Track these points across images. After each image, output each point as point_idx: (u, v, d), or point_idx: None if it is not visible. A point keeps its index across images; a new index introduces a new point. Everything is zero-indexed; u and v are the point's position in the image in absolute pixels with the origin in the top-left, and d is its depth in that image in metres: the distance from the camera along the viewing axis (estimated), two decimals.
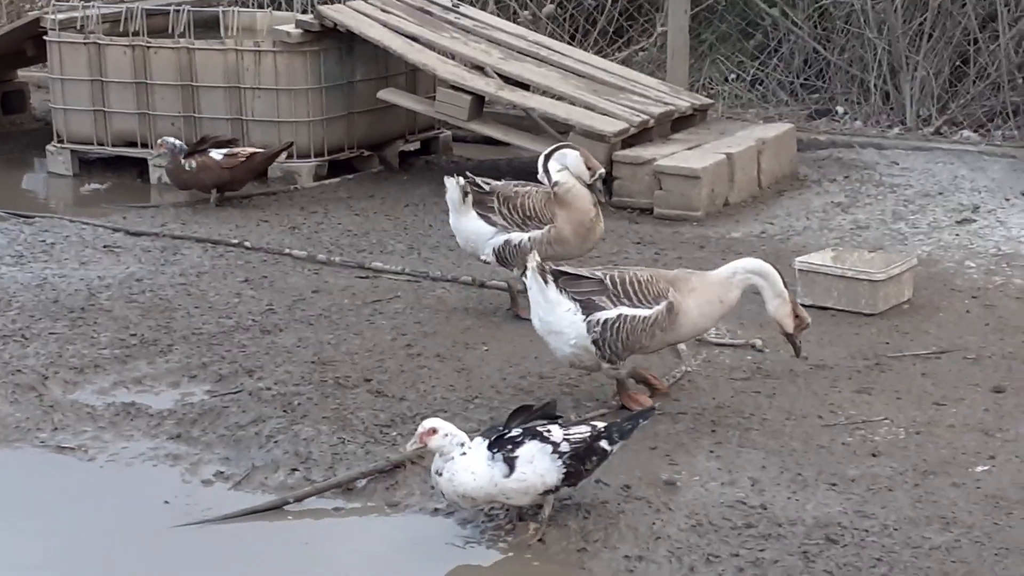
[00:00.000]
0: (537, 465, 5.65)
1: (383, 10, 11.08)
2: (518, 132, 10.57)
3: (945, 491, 5.97)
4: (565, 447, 5.71)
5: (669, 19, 11.70)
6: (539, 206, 7.74)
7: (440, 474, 5.62)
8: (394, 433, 6.54)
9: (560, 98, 10.44)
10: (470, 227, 7.85)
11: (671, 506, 5.90)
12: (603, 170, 7.81)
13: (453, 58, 10.77)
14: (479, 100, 10.45)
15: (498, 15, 12.32)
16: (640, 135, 10.23)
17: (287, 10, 13.01)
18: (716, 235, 9.44)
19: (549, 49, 11.07)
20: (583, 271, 6.66)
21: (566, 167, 7.71)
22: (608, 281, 6.57)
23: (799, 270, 8.12)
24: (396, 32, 10.80)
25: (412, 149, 11.72)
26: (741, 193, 10.09)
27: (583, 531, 5.73)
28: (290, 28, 10.77)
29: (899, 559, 5.45)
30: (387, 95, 10.80)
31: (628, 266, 6.76)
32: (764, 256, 8.88)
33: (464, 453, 5.60)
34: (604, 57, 11.98)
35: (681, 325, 6.61)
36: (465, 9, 11.56)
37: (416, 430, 5.63)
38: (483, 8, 12.47)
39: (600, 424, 5.90)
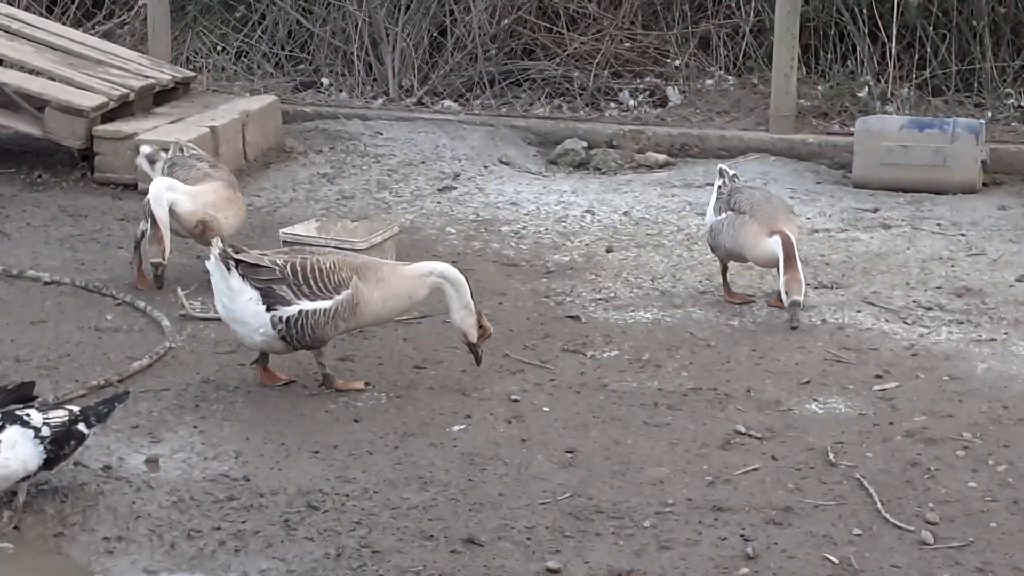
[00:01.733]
0: (19, 451, 5.49)
1: None
2: None
3: (424, 452, 6.14)
4: (46, 431, 5.58)
5: None
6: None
7: None
8: None
9: (36, 72, 10.10)
10: None
11: (152, 484, 5.83)
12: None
13: None
14: None
15: None
16: (121, 109, 10.02)
17: None
18: None
19: (21, 22, 10.66)
20: (264, 259, 6.54)
21: None
22: (288, 270, 6.50)
23: (284, 241, 8.14)
24: None
25: None
26: (227, 166, 10.00)
27: (61, 515, 5.59)
28: None
29: (378, 520, 5.57)
30: None
31: (313, 253, 6.70)
32: (251, 228, 8.93)
33: None
34: (85, 31, 11.65)
35: (364, 314, 6.59)
36: None
37: None
38: None
39: (76, 408, 5.79)
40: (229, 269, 6.51)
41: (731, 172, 8.03)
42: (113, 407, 5.91)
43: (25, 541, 5.47)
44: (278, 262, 6.56)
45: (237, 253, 6.55)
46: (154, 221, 7.64)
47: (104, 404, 5.89)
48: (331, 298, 6.53)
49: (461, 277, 6.63)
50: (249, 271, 6.53)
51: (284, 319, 6.51)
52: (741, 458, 6.11)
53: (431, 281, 6.64)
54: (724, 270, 7.88)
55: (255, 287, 6.52)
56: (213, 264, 6.55)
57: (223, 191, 7.98)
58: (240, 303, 6.53)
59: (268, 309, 6.50)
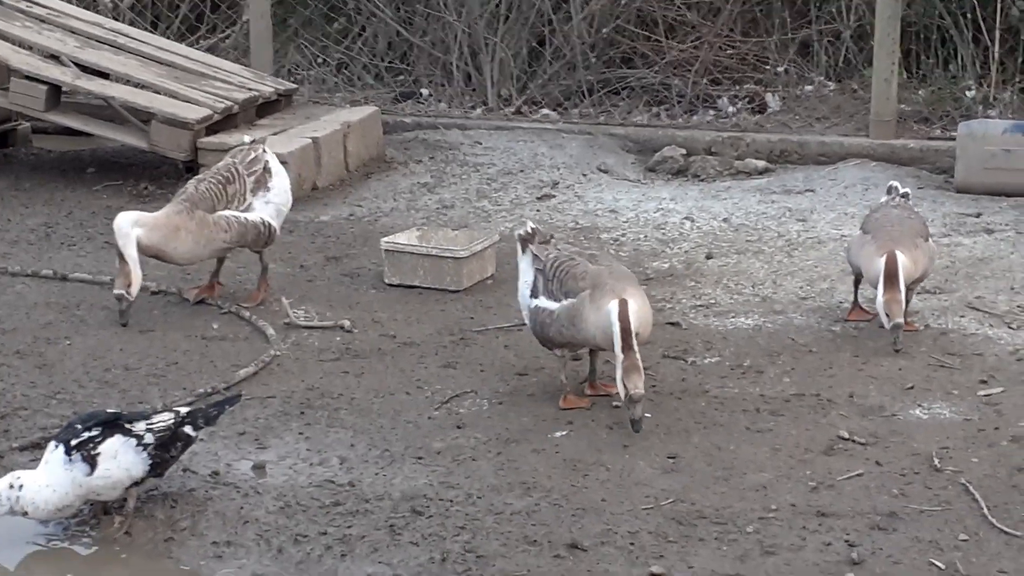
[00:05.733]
0: (121, 460, 5.60)
1: None
2: (100, 122, 10.34)
3: (526, 457, 6.17)
4: (149, 438, 5.68)
5: (250, 5, 11.65)
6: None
7: (25, 513, 5.48)
8: None
9: (142, 86, 10.27)
10: None
11: (259, 490, 5.91)
12: None
13: (31, 49, 10.46)
14: (56, 90, 10.18)
15: (74, 3, 11.98)
16: (225, 121, 10.16)
17: None
18: (305, 219, 9.43)
19: (127, 36, 10.85)
20: (545, 250, 6.69)
21: None
22: (547, 265, 6.61)
23: (385, 250, 8.23)
24: None
25: None
26: (329, 177, 10.14)
27: (170, 520, 5.69)
28: None
29: (482, 525, 5.61)
30: None
31: (585, 254, 6.71)
32: (352, 237, 9.02)
33: (22, 486, 5.46)
34: (189, 45, 11.81)
35: (581, 331, 6.48)
36: None
37: None
38: None
39: (183, 409, 5.89)
40: (523, 250, 6.78)
41: (902, 190, 7.70)
42: (223, 409, 6.02)
43: (136, 546, 5.57)
44: (550, 256, 6.66)
45: (533, 237, 6.76)
46: (121, 257, 7.40)
47: (214, 407, 6.00)
48: (559, 302, 6.56)
49: (618, 325, 6.26)
50: (536, 257, 6.70)
51: (530, 308, 6.66)
52: (845, 464, 6.09)
53: (611, 319, 6.34)
54: (856, 285, 7.65)
55: (535, 272, 6.69)
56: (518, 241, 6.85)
57: (176, 220, 7.58)
58: (520, 283, 6.80)
59: (532, 295, 6.68)
